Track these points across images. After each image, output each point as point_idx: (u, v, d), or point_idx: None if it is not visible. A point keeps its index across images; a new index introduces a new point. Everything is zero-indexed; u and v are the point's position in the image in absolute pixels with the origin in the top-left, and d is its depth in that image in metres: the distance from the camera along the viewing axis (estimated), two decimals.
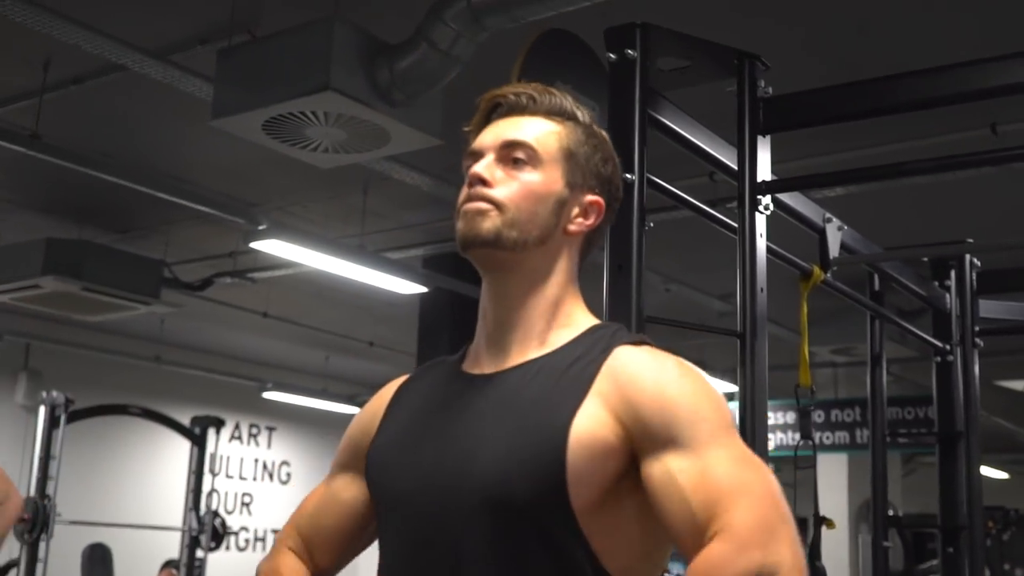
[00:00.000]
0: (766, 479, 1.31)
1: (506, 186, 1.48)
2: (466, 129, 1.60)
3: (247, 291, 8.21)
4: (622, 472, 1.36)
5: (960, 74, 2.92)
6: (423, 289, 6.89)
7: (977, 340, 4.56)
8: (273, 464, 12.35)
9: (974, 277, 4.56)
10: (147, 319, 8.55)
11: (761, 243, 3.02)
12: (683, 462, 1.32)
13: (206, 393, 11.13)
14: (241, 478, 12.03)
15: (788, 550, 1.23)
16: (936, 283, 4.84)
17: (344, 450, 1.64)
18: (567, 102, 1.56)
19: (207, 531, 9.24)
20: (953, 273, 4.73)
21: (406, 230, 7.08)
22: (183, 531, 9.07)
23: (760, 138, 3.01)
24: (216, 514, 9.46)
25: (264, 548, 12.05)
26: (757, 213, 3.02)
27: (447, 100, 4.27)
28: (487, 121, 1.57)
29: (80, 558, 8.83)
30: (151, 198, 5.88)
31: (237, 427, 11.94)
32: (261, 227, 5.79)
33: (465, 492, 1.36)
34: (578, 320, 1.52)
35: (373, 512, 1.55)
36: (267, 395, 11.07)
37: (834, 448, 9.94)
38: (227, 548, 10.02)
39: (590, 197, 1.55)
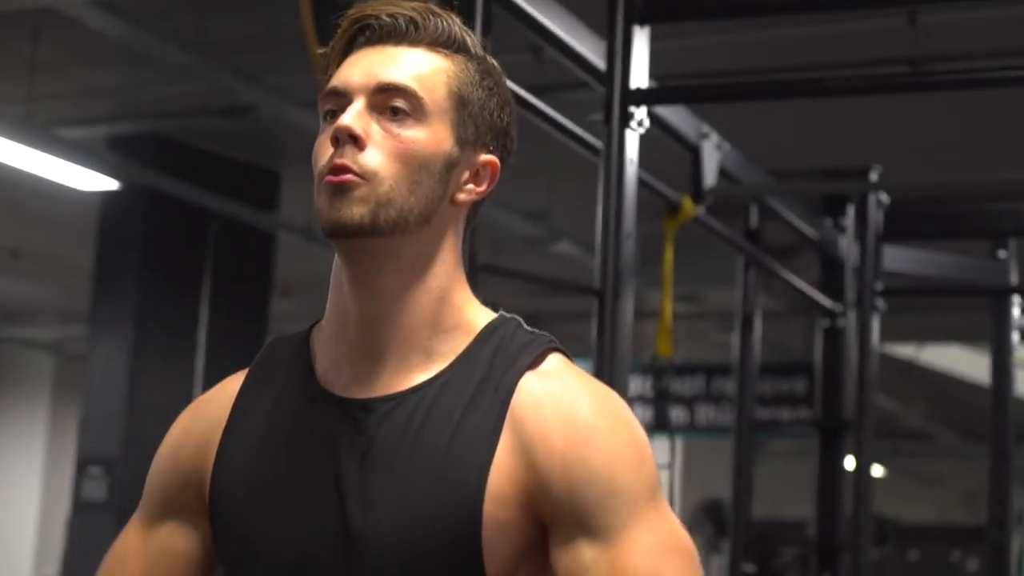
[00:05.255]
0: (684, 572, 1.50)
1: (381, 148, 1.53)
2: (322, 52, 1.66)
3: None
4: (534, 541, 1.54)
5: None
6: (112, 184, 6.81)
7: (879, 301, 4.95)
8: None
9: (881, 218, 4.91)
10: None
11: (632, 170, 3.25)
12: (593, 552, 1.49)
13: None
14: None
15: None
16: (829, 221, 5.20)
17: (165, 484, 1.70)
18: (456, 27, 1.62)
19: None
20: (852, 210, 5.08)
21: (87, 98, 6.96)
22: None
23: (638, 29, 3.21)
24: None
25: None
26: (628, 130, 3.24)
27: None
28: (351, 45, 1.61)
29: None
30: None
31: None
32: None
33: (358, 562, 1.52)
34: (469, 316, 1.62)
35: (214, 562, 1.68)
36: None
37: (662, 428, 10.32)
38: None
39: (484, 157, 1.62)
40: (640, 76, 3.25)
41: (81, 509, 7.60)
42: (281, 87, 6.38)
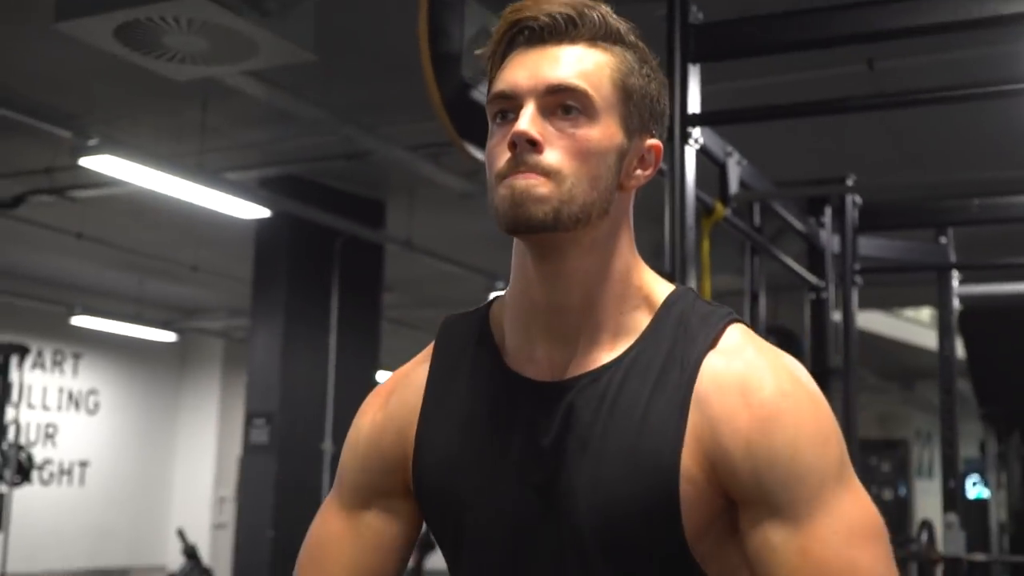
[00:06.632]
0: (876, 563, 1.13)
1: (559, 148, 1.18)
2: (479, 53, 1.29)
3: (61, 210, 7.65)
4: (721, 511, 1.19)
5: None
6: (265, 213, 6.54)
7: (857, 278, 4.59)
8: (80, 393, 11.74)
9: (856, 215, 4.58)
10: None
11: (691, 178, 2.89)
12: (781, 534, 1.13)
13: (6, 318, 10.47)
14: (44, 408, 11.39)
15: None
16: (813, 219, 4.86)
17: (367, 470, 1.35)
18: (611, 19, 1.24)
19: (11, 465, 8.87)
20: (829, 210, 4.75)
21: (244, 149, 6.70)
22: None
23: (691, 67, 2.87)
24: (20, 447, 9.02)
25: (71, 482, 11.50)
26: (687, 146, 2.89)
27: (320, 10, 3.98)
28: (510, 46, 1.23)
29: None
30: None
31: (40, 354, 11.28)
32: (92, 142, 5.31)
33: (562, 536, 1.20)
34: (650, 292, 1.26)
35: (413, 543, 1.35)
36: (75, 320, 10.45)
37: None
38: (30, 482, 9.44)
39: (649, 142, 1.26)
40: (694, 104, 2.89)
41: (250, 450, 7.41)
42: (388, 136, 6.10)
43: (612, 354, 1.23)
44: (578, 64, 1.20)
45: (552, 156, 1.17)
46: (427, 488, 1.29)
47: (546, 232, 1.17)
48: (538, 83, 1.19)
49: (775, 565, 1.12)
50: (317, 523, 1.38)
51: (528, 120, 1.17)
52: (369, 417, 1.36)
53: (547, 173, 1.16)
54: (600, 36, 1.23)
